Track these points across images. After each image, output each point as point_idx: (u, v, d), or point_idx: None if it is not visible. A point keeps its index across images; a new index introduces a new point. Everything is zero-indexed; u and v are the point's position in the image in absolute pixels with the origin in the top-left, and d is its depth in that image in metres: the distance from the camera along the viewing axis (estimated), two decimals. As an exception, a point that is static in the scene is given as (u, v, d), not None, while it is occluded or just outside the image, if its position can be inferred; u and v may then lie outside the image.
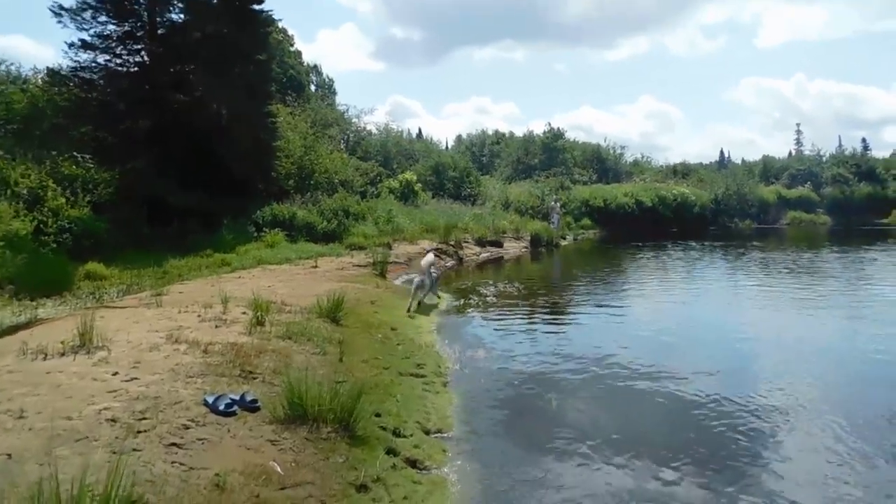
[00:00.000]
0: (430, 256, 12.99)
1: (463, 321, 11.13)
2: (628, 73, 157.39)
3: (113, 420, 4.21)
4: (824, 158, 60.62)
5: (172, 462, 3.82)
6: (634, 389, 7.02)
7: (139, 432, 4.08)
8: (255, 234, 18.74)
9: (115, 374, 5.13)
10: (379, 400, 5.61)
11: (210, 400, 4.71)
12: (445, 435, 5.38)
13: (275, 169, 23.21)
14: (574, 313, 12.27)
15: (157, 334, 6.53)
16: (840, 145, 68.12)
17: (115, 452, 3.73)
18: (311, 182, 24.44)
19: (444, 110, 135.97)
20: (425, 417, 5.59)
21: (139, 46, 20.82)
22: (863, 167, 58.14)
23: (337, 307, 8.46)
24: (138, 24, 20.76)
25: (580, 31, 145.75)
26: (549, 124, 51.41)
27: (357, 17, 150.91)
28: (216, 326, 7.21)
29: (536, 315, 11.78)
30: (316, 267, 15.05)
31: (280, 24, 47.03)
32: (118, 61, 20.11)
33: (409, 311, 10.84)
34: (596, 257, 25.97)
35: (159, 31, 21.15)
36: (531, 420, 5.95)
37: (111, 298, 10.13)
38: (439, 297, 12.69)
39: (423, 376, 6.78)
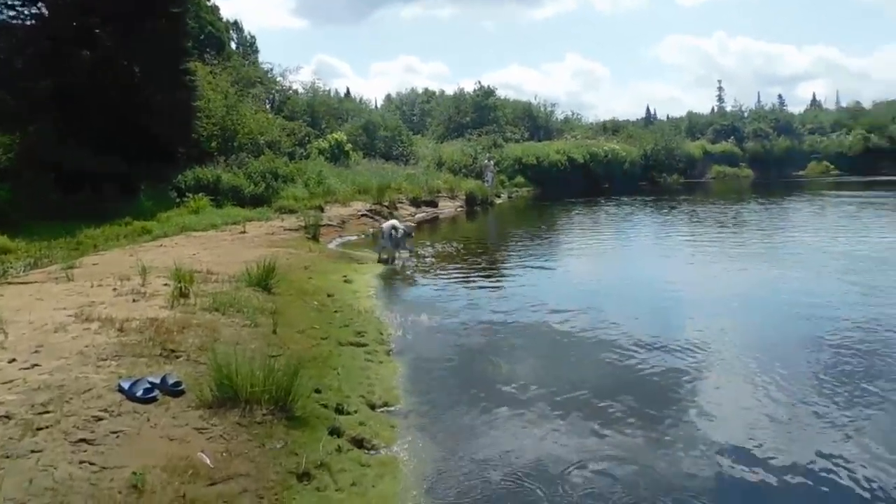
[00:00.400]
0: (391, 222, 13.11)
1: (402, 283, 10.73)
2: (555, 31, 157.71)
3: (6, 417, 3.62)
4: (746, 114, 62.43)
5: (80, 462, 3.29)
6: (573, 345, 6.97)
7: (39, 429, 3.52)
8: (178, 200, 17.70)
9: (12, 361, 4.49)
10: (318, 374, 5.16)
11: (126, 385, 4.15)
12: (393, 409, 4.99)
13: (196, 130, 21.91)
14: (511, 272, 12.08)
15: (65, 312, 5.85)
16: (759, 101, 70.47)
17: (7, 457, 3.18)
18: (236, 144, 23.23)
19: (372, 70, 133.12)
20: (370, 391, 5.18)
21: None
22: (781, 122, 60.41)
23: (268, 274, 7.88)
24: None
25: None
26: (479, 83, 50.83)
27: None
28: (134, 301, 6.56)
29: (475, 274, 11.51)
30: (244, 232, 14.28)
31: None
32: (11, 13, 18.30)
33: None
34: (530, 215, 25.98)
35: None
36: (479, 386, 5.60)
37: (15, 273, 9.20)
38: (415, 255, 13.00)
39: (364, 345, 6.35)
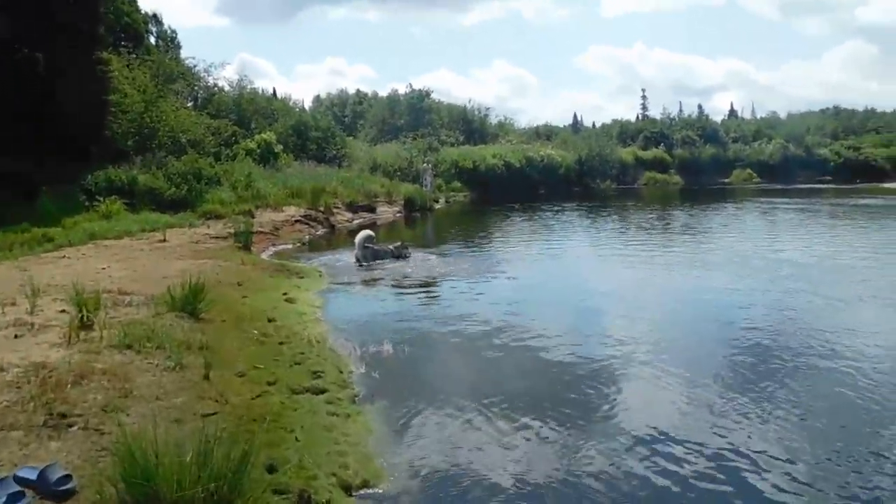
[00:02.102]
0: (366, 232, 12.95)
1: (350, 300, 9.51)
2: (483, 38, 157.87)
3: None
4: (674, 122, 63.73)
5: None
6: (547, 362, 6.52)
7: None
8: (87, 204, 15.73)
9: None
10: (270, 441, 3.86)
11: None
12: (376, 491, 3.74)
13: (109, 127, 19.84)
14: (457, 281, 11.16)
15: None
16: (681, 110, 72.24)
17: None
18: (155, 142, 21.25)
19: (297, 71, 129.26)
20: (341, 463, 3.89)
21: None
22: (707, 129, 61.87)
23: (195, 295, 6.47)
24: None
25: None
26: (411, 85, 49.76)
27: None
28: (16, 336, 5.08)
29: (424, 286, 10.63)
30: (164, 241, 12.64)
31: (109, -36, 41.47)
32: None
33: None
34: (471, 220, 25.10)
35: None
36: (478, 454, 4.45)
37: None
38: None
39: (323, 391, 5.01)
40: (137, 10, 46.19)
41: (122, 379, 4.27)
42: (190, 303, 6.40)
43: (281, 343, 6.13)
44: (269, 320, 7.01)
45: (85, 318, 5.36)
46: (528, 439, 4.68)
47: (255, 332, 6.31)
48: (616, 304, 9.44)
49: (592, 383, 5.83)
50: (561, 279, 12.02)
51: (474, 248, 15.16)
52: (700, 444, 4.54)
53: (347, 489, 3.65)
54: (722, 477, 4.12)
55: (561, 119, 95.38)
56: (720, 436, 4.68)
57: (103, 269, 9.12)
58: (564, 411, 5.16)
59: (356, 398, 5.08)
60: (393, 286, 10.55)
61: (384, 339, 6.82)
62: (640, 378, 6.07)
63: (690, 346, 7.12)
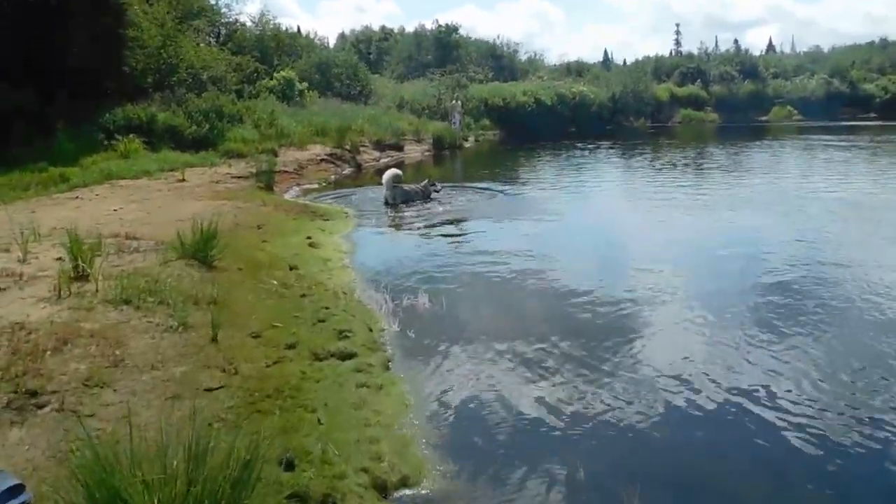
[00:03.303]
0: (394, 171, 12.12)
1: (379, 244, 8.78)
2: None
3: None
4: (711, 57, 60.97)
5: None
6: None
7: None
8: (106, 143, 15.08)
9: None
10: (286, 425, 3.18)
11: None
12: (417, 492, 3.04)
13: (126, 62, 18.98)
14: (490, 222, 10.47)
15: None
16: (717, 46, 69.06)
17: None
18: (175, 79, 20.40)
19: (320, 8, 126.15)
20: (373, 453, 3.18)
21: None
22: (746, 65, 59.01)
23: (208, 241, 5.76)
24: None
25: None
26: (437, 21, 47.87)
27: None
28: (1, 289, 4.42)
29: (455, 228, 9.91)
30: (183, 181, 11.98)
31: None
32: None
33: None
34: (501, 159, 24.03)
35: None
36: (537, 432, 3.75)
37: None
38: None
39: (351, 355, 4.28)
40: (156, -59, 44.78)
41: (113, 343, 3.61)
42: (202, 248, 5.70)
43: (303, 296, 5.42)
44: (291, 268, 6.31)
45: (79, 268, 4.69)
46: (596, 413, 4.00)
47: (275, 282, 5.61)
48: (647, 246, 8.94)
49: (614, 321, 5.61)
50: (594, 220, 11.43)
51: (506, 188, 14.24)
52: (725, 386, 4.40)
53: (383, 489, 2.93)
54: (742, 417, 4.02)
55: (590, 56, 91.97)
56: (744, 376, 4.56)
57: (115, 210, 8.49)
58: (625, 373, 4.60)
59: (389, 363, 4.37)
60: (423, 228, 9.79)
61: (418, 290, 6.07)
62: (668, 319, 5.79)
63: (722, 288, 6.75)
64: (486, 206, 11.90)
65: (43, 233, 6.49)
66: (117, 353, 3.52)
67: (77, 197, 9.88)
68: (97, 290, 4.44)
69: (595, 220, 11.49)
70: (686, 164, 20.18)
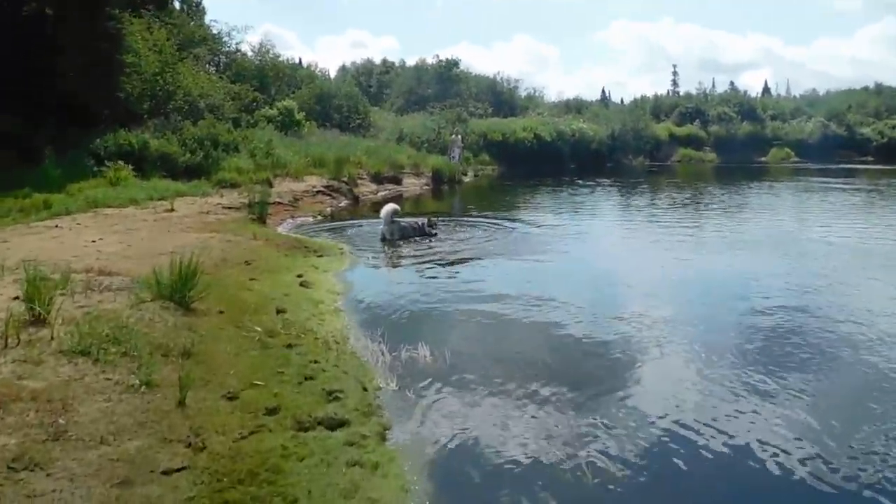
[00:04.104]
0: (392, 205, 11.49)
1: (375, 284, 8.21)
2: (504, 12, 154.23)
3: None
4: (710, 98, 61.52)
5: None
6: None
7: None
8: (96, 169, 14.61)
9: None
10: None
11: None
12: None
13: (122, 88, 18.60)
14: (492, 260, 10.00)
15: None
16: (713, 86, 69.77)
17: None
18: (171, 106, 20.03)
19: (320, 43, 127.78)
20: None
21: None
22: (745, 106, 59.46)
23: (187, 280, 5.20)
24: None
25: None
26: (438, 56, 48.10)
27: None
28: (-61, 335, 3.85)
29: (455, 267, 9.38)
30: (172, 211, 11.47)
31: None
32: None
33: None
34: (501, 194, 23.66)
35: None
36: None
37: None
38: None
39: (342, 423, 3.65)
40: (161, -28, 45.02)
41: (58, 408, 3.04)
42: (180, 288, 5.14)
43: (290, 346, 4.83)
44: (278, 312, 5.74)
45: (36, 311, 4.13)
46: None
47: (259, 329, 5.03)
48: (647, 287, 8.72)
49: (616, 362, 5.49)
50: (595, 260, 11.09)
51: (506, 225, 13.76)
52: (718, 437, 4.22)
53: None
54: (735, 457, 3.96)
55: (588, 94, 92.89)
56: (738, 418, 4.47)
57: (93, 241, 7.94)
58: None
59: (386, 432, 3.76)
60: (422, 266, 9.25)
61: (418, 339, 5.49)
62: (665, 358, 5.70)
63: (718, 328, 6.68)
64: (487, 243, 11.41)
65: (9, 265, 5.94)
66: (61, 421, 2.95)
67: (56, 226, 9.34)
68: (52, 338, 3.88)
69: (596, 259, 11.12)
70: (686, 204, 19.97)
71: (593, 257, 11.23)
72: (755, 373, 5.23)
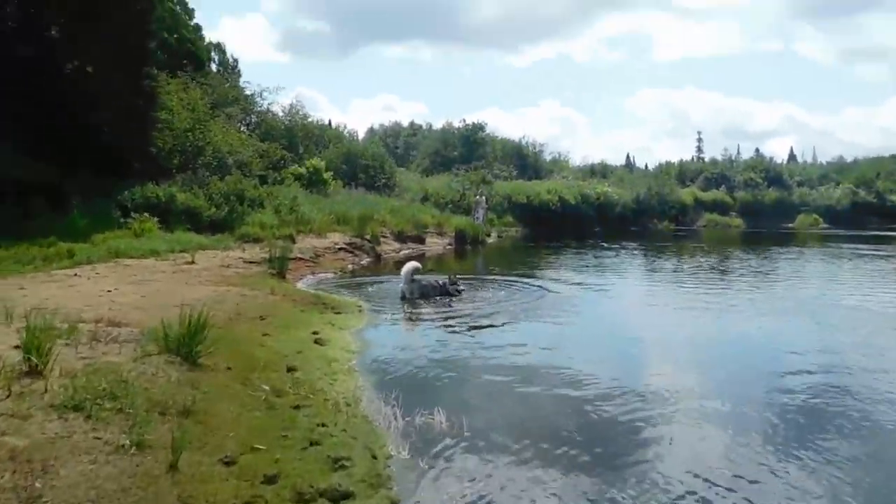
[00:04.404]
0: (413, 263, 11.33)
1: (392, 343, 7.90)
2: (532, 78, 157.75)
3: None
4: (735, 163, 61.56)
5: None
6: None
7: None
8: (122, 220, 14.76)
9: None
10: None
11: None
12: None
13: (153, 143, 18.98)
14: (515, 323, 9.65)
15: None
16: (738, 153, 69.84)
17: None
18: (200, 161, 20.37)
19: (351, 106, 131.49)
20: None
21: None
22: (771, 172, 59.27)
23: (195, 334, 5.00)
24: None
25: (488, 35, 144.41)
26: (464, 119, 48.94)
27: (262, 7, 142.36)
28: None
29: (476, 328, 9.05)
30: (192, 263, 11.41)
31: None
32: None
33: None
34: (525, 256, 23.36)
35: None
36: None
37: None
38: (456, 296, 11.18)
39: (346, 496, 3.32)
40: (201, 38, 46.85)
41: (37, 470, 2.79)
42: (187, 343, 4.93)
43: (297, 407, 4.54)
44: (289, 370, 5.48)
45: (33, 363, 3.93)
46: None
47: (266, 388, 4.76)
48: (674, 351, 8.47)
49: (638, 430, 5.21)
50: (621, 323, 10.76)
51: (530, 286, 13.47)
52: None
53: None
54: None
55: (613, 159, 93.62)
56: (769, 495, 4.16)
57: (109, 291, 7.83)
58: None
59: (394, 510, 3.44)
60: (441, 326, 8.98)
61: (435, 404, 5.17)
62: (692, 430, 5.39)
63: (747, 399, 6.23)
64: (510, 303, 11.10)
65: (20, 313, 5.79)
66: (37, 485, 2.71)
67: (76, 274, 9.29)
68: (45, 391, 3.66)
69: (621, 324, 10.76)
70: (714, 268, 19.51)
71: (618, 322, 10.90)
72: (786, 447, 4.93)
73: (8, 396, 3.53)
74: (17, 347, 4.43)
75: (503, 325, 9.34)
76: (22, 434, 3.12)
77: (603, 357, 7.85)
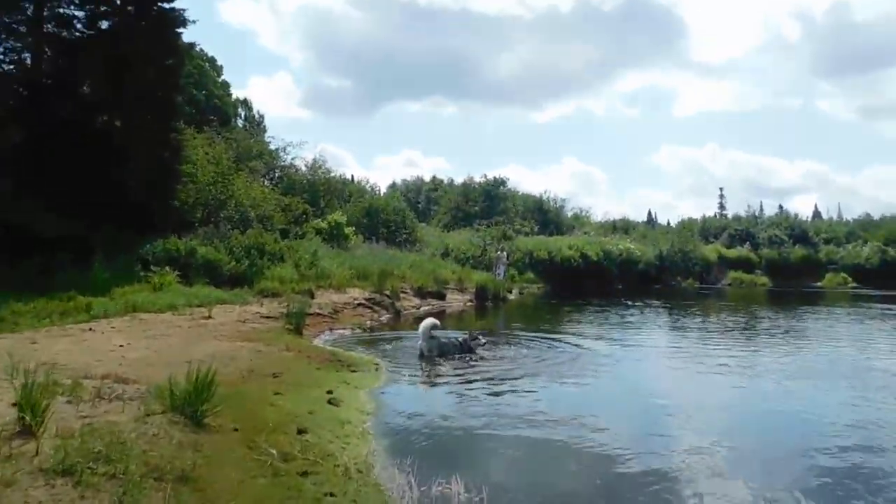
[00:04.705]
0: (431, 320, 11.07)
1: (409, 404, 7.59)
2: (554, 135, 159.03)
3: None
4: (760, 220, 60.88)
5: None
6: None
7: None
8: (142, 274, 14.77)
9: None
10: None
11: None
12: None
13: (177, 196, 19.20)
14: (537, 383, 9.32)
15: None
16: (762, 210, 69.20)
17: None
18: (223, 215, 20.53)
19: (375, 162, 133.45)
20: None
21: (19, 44, 17.20)
22: (796, 230, 58.43)
23: (201, 392, 4.77)
24: (20, 17, 17.13)
25: (509, 92, 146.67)
26: (486, 175, 49.31)
27: (289, 66, 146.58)
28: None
29: (497, 389, 8.69)
30: (209, 318, 11.26)
31: (205, 52, 43.45)
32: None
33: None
34: (547, 313, 22.94)
35: (46, 26, 17.54)
36: None
37: None
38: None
39: None
40: (229, 94, 48.25)
41: (13, 547, 2.56)
42: (193, 401, 4.71)
43: (304, 473, 4.25)
44: (299, 432, 5.21)
45: (28, 422, 3.73)
46: None
47: (273, 452, 4.49)
48: (702, 414, 8.24)
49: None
50: (645, 384, 10.41)
51: (552, 344, 13.11)
52: None
53: None
54: None
55: (634, 215, 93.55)
56: None
57: (120, 346, 7.68)
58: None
59: None
60: (461, 386, 8.67)
61: (453, 470, 4.82)
62: (720, 498, 5.17)
63: (775, 465, 6.18)
64: (532, 362, 10.77)
65: (27, 368, 5.63)
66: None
67: (90, 329, 9.18)
68: (37, 453, 3.45)
69: (646, 385, 10.38)
70: (740, 328, 18.97)
71: (643, 383, 10.49)
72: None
73: (-3, 460, 3.33)
74: (15, 405, 4.24)
75: (525, 385, 8.99)
76: (2, 502, 2.89)
77: (629, 420, 7.54)
